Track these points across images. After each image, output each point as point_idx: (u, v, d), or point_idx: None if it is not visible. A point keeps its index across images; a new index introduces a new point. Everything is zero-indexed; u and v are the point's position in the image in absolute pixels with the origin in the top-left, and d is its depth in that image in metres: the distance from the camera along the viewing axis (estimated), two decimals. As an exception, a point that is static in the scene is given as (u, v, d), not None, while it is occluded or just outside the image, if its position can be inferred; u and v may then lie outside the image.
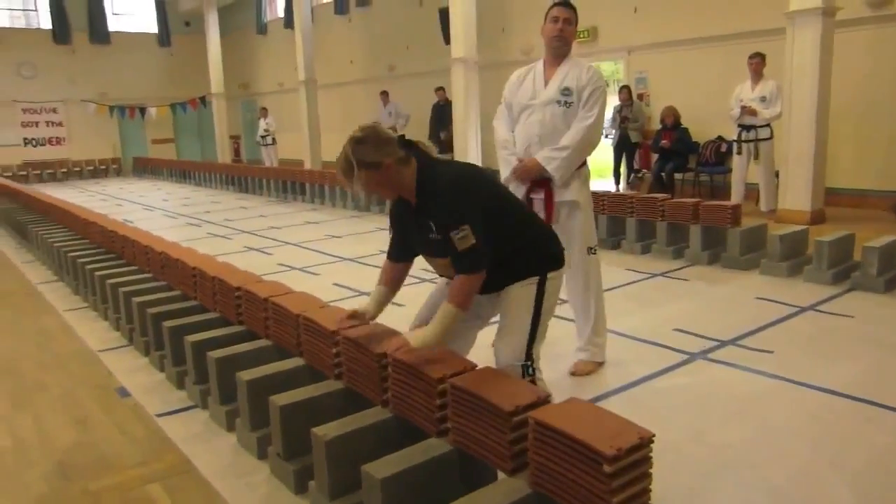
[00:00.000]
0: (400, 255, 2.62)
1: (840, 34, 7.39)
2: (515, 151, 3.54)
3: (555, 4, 3.44)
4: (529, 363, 2.47)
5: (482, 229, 2.29)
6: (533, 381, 2.44)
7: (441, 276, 2.66)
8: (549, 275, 2.51)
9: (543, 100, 3.43)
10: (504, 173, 3.59)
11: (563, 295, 4.02)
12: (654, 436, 1.76)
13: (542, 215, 3.53)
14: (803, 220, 7.08)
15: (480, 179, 2.42)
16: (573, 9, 3.43)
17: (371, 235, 8.08)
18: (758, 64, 7.94)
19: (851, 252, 5.31)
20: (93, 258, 5.43)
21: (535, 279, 2.48)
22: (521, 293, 2.48)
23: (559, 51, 3.45)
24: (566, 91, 3.38)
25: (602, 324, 3.63)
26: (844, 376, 3.39)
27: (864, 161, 8.28)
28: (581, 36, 10.19)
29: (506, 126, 3.64)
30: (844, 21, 7.51)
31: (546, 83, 3.46)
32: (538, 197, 3.52)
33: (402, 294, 5.08)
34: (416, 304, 5.07)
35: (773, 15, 7.81)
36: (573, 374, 3.54)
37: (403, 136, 2.41)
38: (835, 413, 3.02)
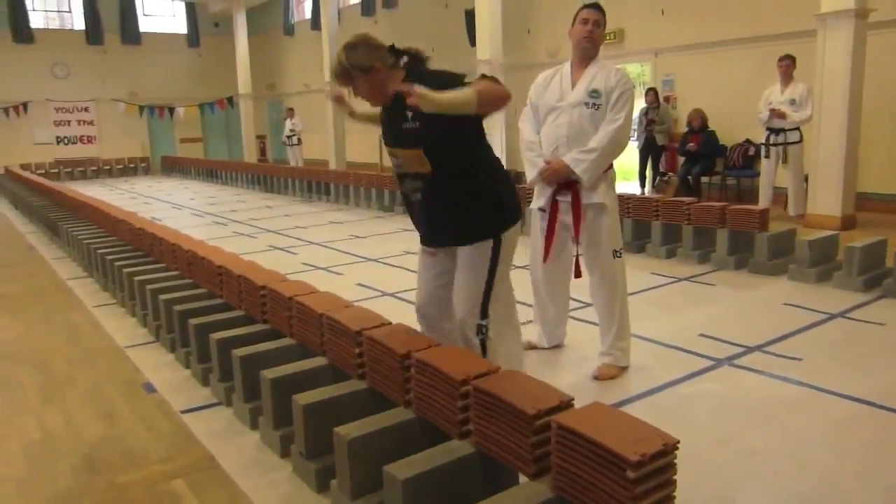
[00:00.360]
0: None
1: (873, 36, 7.26)
2: (542, 153, 3.53)
3: (584, 6, 3.43)
4: (485, 322, 2.70)
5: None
6: (484, 342, 2.70)
7: (400, 174, 2.73)
8: (504, 235, 2.66)
9: (571, 101, 3.41)
10: (530, 175, 3.58)
11: (586, 298, 4.02)
12: (678, 442, 1.74)
13: (568, 218, 3.52)
14: (833, 225, 6.96)
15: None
16: (602, 11, 3.42)
17: (395, 236, 8.10)
18: (788, 66, 7.82)
19: (883, 258, 5.21)
20: (121, 255, 5.51)
21: (489, 243, 2.64)
22: (475, 257, 2.66)
23: (588, 52, 3.43)
24: (594, 93, 3.37)
25: (626, 328, 3.61)
26: (875, 386, 3.32)
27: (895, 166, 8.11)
28: (608, 38, 10.13)
29: (531, 128, 3.63)
30: (877, 23, 7.38)
31: (573, 85, 3.44)
32: (565, 199, 3.51)
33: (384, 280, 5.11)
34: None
35: (804, 17, 7.69)
36: (596, 378, 3.52)
37: (393, 45, 2.60)
38: (864, 423, 2.96)
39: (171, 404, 3.36)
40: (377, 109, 2.80)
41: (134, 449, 2.90)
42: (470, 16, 12.11)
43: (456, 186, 2.62)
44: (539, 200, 3.65)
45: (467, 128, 2.57)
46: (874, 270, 5.06)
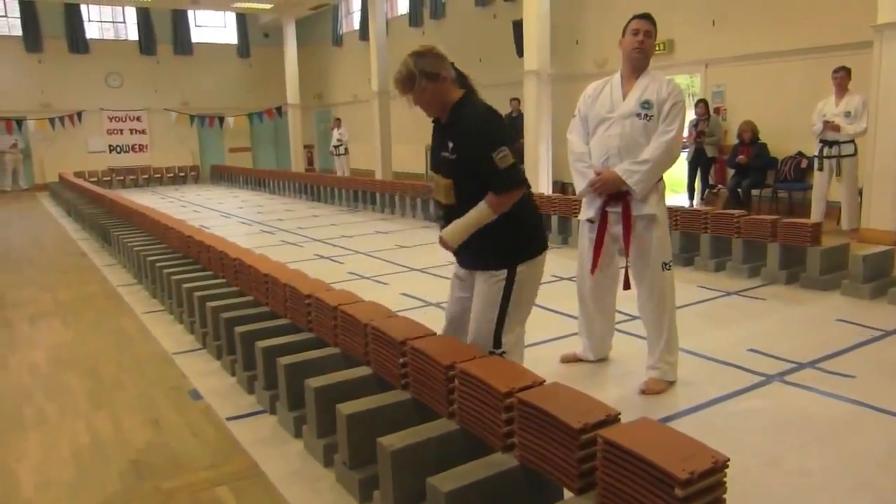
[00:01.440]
0: None
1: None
2: (592, 164, 3.50)
3: (635, 17, 3.42)
4: (499, 351, 2.69)
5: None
6: None
7: (434, 199, 2.82)
8: (519, 268, 2.67)
9: (623, 112, 3.40)
10: (579, 186, 3.56)
11: (633, 310, 3.96)
12: (728, 460, 1.70)
13: (617, 229, 3.49)
14: (888, 240, 6.74)
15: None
16: (653, 22, 3.40)
17: (440, 246, 8.10)
18: (842, 78, 7.62)
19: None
20: (170, 263, 5.64)
21: (503, 274, 2.66)
22: (489, 286, 2.68)
23: (639, 63, 3.41)
24: (646, 104, 3.35)
25: (674, 342, 3.54)
26: (934, 407, 3.20)
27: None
28: (658, 49, 10.02)
29: (580, 139, 3.61)
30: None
31: (624, 96, 3.43)
32: (615, 210, 3.48)
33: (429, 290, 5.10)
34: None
35: (860, 28, 7.49)
36: (643, 392, 3.47)
37: (452, 63, 2.66)
38: (923, 445, 2.86)
39: (216, 411, 3.41)
40: None
41: (180, 455, 2.95)
42: (518, 26, 12.12)
43: (481, 238, 2.67)
44: (588, 211, 3.62)
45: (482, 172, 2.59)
46: (934, 287, 4.89)
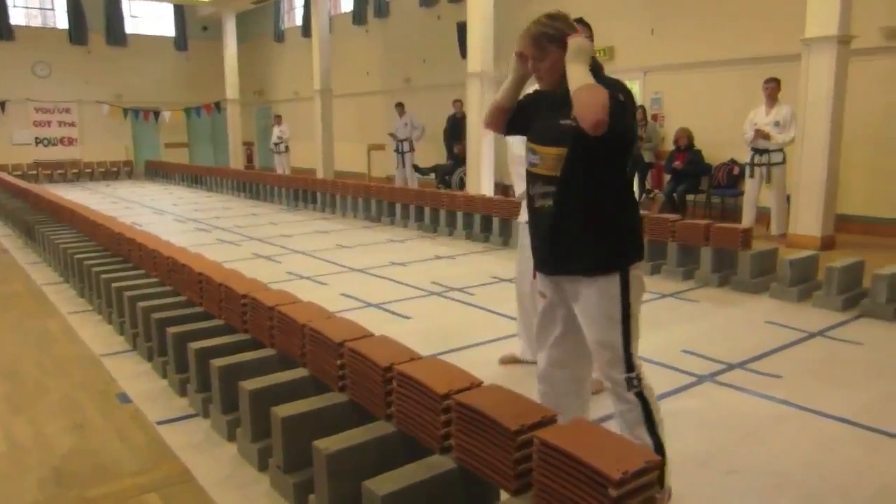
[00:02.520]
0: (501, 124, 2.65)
1: (855, 63, 7.38)
2: None
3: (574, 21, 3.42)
4: (633, 374, 2.36)
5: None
6: (640, 394, 2.37)
7: (532, 175, 2.45)
8: (631, 269, 2.36)
9: None
10: (518, 188, 3.58)
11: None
12: (660, 460, 1.73)
13: None
14: (814, 245, 7.03)
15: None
16: (588, 27, 3.43)
17: (382, 246, 8.07)
18: (773, 89, 7.92)
19: (861, 279, 5.27)
20: (99, 261, 5.43)
21: (616, 278, 2.33)
22: (604, 298, 2.33)
23: None
24: None
25: None
26: (853, 404, 3.34)
27: (876, 189, 8.22)
28: (598, 55, 10.20)
29: (520, 141, 3.62)
30: (860, 50, 7.51)
31: None
32: None
33: (409, 307, 5.09)
34: (422, 318, 5.05)
35: (790, 41, 7.79)
36: (594, 393, 3.51)
37: None
38: (843, 441, 2.98)
39: (146, 415, 3.30)
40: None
41: (106, 461, 2.84)
42: (462, 28, 12.16)
43: (591, 202, 2.33)
44: (525, 214, 3.64)
45: (620, 143, 2.31)
46: (852, 290, 5.12)
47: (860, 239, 7.90)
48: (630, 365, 2.36)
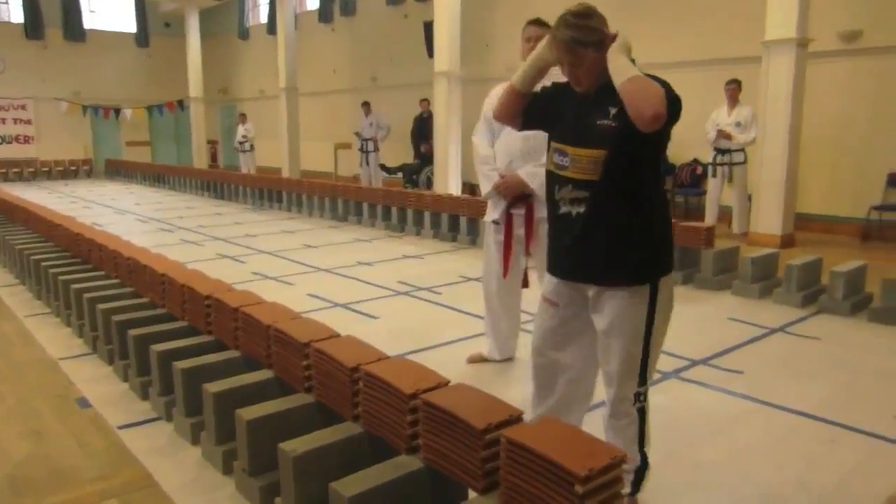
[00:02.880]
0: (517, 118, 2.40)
1: (813, 65, 7.56)
2: (496, 167, 3.53)
3: (528, 23, 3.43)
4: (643, 389, 2.28)
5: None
6: (642, 409, 2.29)
7: (560, 179, 2.24)
8: (661, 281, 2.22)
9: None
10: (484, 188, 3.59)
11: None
12: (625, 455, 1.74)
13: (521, 231, 3.53)
14: (774, 243, 7.18)
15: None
16: (547, 26, 3.43)
17: (348, 246, 8.02)
18: (734, 90, 8.07)
19: (819, 276, 5.39)
20: (57, 262, 5.30)
21: (646, 290, 2.20)
22: (629, 308, 2.20)
23: None
24: None
25: None
26: (812, 398, 3.42)
27: (833, 188, 8.43)
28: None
29: (486, 141, 3.63)
30: (818, 53, 7.69)
31: None
32: (519, 212, 3.51)
33: (376, 307, 5.07)
34: (389, 318, 5.03)
35: (750, 43, 7.94)
36: None
37: None
38: (802, 434, 3.05)
39: (106, 420, 3.22)
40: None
41: (64, 468, 2.77)
42: (429, 27, 12.16)
43: (625, 209, 2.17)
44: (493, 213, 3.66)
45: (658, 143, 2.19)
46: (811, 287, 5.24)
47: (819, 237, 8.11)
48: (643, 379, 2.27)
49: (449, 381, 2.23)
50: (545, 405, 2.50)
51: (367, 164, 13.28)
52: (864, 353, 4.15)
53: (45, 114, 19.71)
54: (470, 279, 6.06)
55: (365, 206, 9.73)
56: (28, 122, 19.59)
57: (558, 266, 2.34)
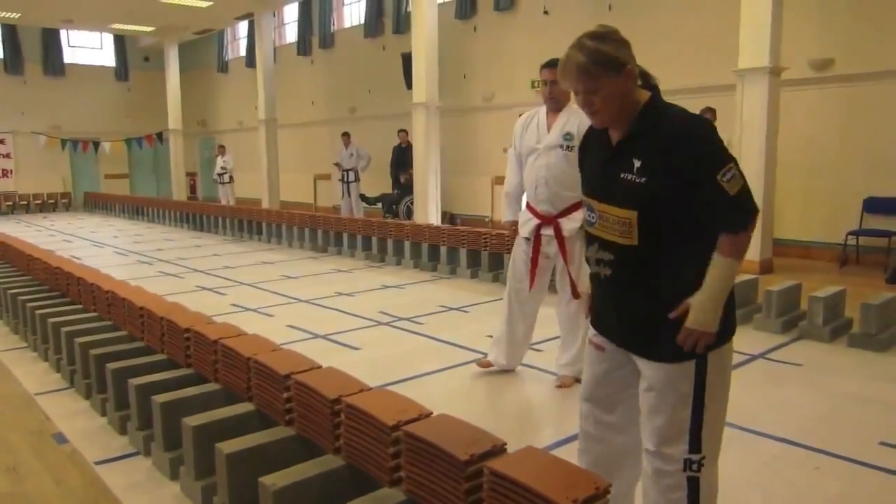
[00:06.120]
0: None
1: (787, 93, 7.73)
2: (518, 209, 4.04)
3: (543, 66, 3.76)
4: (696, 457, 1.92)
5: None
6: (695, 479, 1.93)
7: (595, 235, 1.99)
8: (711, 357, 1.90)
9: (547, 144, 3.76)
10: (505, 216, 4.07)
11: (539, 335, 4.05)
12: (610, 486, 1.73)
13: (549, 248, 3.87)
14: (753, 269, 7.25)
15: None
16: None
17: (327, 277, 7.99)
18: (709, 118, 8.21)
19: (798, 301, 5.44)
20: (35, 296, 5.23)
21: (691, 365, 1.89)
22: (672, 377, 1.90)
23: (553, 106, 3.81)
24: (567, 136, 3.71)
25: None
26: (794, 424, 3.43)
27: (809, 214, 8.56)
28: (535, 85, 10.40)
29: (514, 174, 4.01)
30: (791, 81, 7.87)
31: (549, 128, 3.79)
32: (546, 233, 3.86)
33: (357, 338, 5.04)
34: (371, 348, 4.99)
35: (724, 72, 8.11)
36: (559, 387, 3.89)
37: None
38: (785, 461, 3.05)
39: (83, 455, 3.16)
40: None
41: (41, 504, 2.71)
42: (407, 59, 12.28)
43: (658, 275, 1.89)
44: (524, 230, 3.99)
45: (696, 202, 1.83)
46: (791, 313, 5.28)
47: (796, 262, 8.19)
48: (696, 446, 1.91)
49: (431, 413, 2.21)
50: (592, 455, 2.18)
51: (349, 194, 13.29)
52: (845, 378, 4.17)
53: (24, 147, 19.61)
54: (451, 309, 6.05)
55: (345, 237, 9.72)
56: (7, 155, 19.47)
57: (598, 323, 2.11)
